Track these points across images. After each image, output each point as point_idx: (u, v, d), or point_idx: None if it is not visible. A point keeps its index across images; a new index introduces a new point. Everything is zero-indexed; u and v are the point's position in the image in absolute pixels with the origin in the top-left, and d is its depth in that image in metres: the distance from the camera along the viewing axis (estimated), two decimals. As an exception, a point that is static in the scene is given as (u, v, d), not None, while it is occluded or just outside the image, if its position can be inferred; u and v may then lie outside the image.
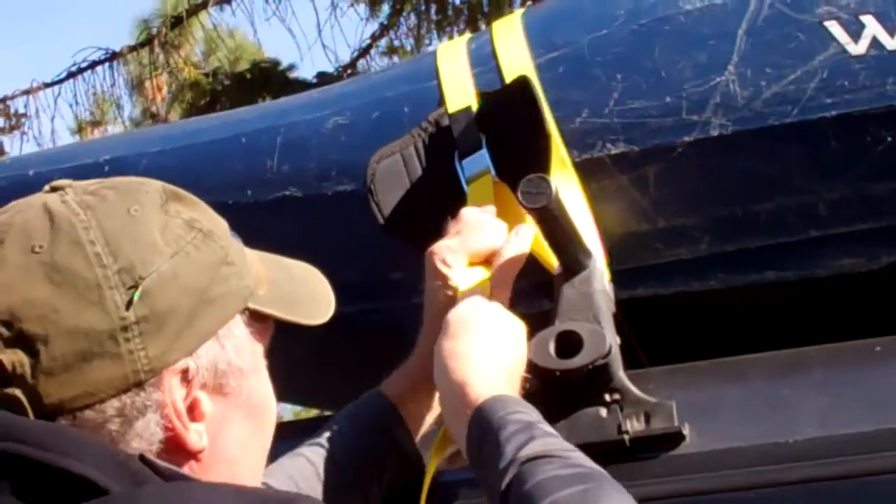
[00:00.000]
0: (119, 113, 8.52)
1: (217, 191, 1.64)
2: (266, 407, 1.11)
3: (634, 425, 1.35)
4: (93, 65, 8.09)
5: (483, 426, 1.21)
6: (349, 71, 7.64)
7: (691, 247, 1.53)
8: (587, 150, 1.48)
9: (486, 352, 1.29)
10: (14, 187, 1.74)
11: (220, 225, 1.09)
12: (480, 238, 1.43)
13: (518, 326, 1.34)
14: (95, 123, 8.51)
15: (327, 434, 1.41)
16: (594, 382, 1.36)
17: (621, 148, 1.47)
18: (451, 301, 1.37)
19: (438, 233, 1.44)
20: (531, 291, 1.54)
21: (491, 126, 1.51)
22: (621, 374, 1.38)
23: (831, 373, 1.40)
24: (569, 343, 1.36)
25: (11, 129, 8.35)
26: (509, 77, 1.53)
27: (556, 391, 1.37)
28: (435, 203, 1.50)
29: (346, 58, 7.91)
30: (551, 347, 1.36)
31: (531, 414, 1.22)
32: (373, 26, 7.81)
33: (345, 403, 1.44)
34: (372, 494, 1.40)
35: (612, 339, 1.38)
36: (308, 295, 1.16)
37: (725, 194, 1.49)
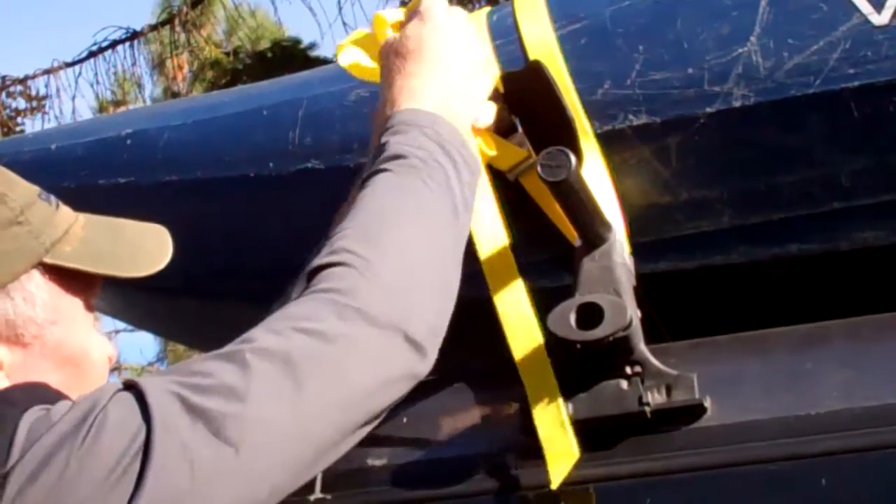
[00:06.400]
0: (140, 92, 8.56)
1: (239, 163, 1.65)
2: (81, 356, 1.19)
3: (655, 397, 1.35)
4: (114, 44, 8.12)
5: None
6: (370, 49, 7.62)
7: (713, 219, 1.52)
8: (609, 122, 1.48)
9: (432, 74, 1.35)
10: (37, 162, 1.75)
11: (18, 189, 1.18)
12: None
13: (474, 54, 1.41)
14: (117, 103, 8.54)
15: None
16: (615, 354, 1.36)
17: (643, 119, 1.47)
18: None
19: None
20: (551, 265, 1.54)
21: (514, 103, 1.51)
22: (642, 347, 1.38)
23: (853, 346, 1.39)
24: (589, 315, 1.35)
25: (33, 111, 8.39)
26: (531, 49, 1.52)
27: (576, 363, 1.37)
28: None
29: (366, 36, 7.89)
30: (572, 319, 1.36)
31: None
32: (393, 3, 7.80)
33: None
34: None
35: (633, 312, 1.37)
36: (129, 251, 1.23)
37: (747, 166, 1.48)
